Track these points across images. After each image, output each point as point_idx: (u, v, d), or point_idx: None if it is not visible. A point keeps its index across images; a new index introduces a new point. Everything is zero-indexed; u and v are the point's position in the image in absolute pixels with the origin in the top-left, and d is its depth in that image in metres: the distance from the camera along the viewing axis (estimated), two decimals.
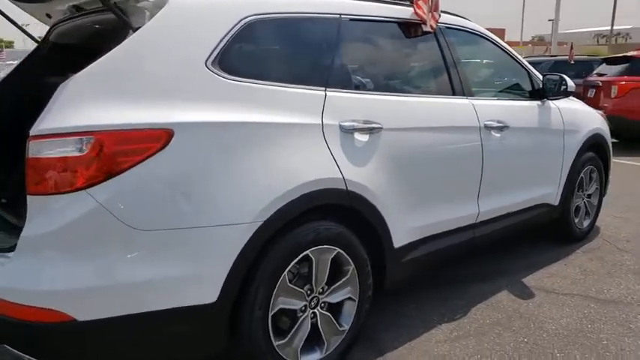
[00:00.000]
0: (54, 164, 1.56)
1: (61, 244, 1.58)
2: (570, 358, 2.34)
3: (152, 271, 1.66)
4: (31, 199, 1.59)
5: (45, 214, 1.58)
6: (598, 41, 43.30)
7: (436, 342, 2.49)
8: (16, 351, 1.67)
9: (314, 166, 2.02)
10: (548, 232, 3.79)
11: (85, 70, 1.64)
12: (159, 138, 1.65)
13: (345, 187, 2.10)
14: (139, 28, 1.76)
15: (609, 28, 38.46)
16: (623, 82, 8.53)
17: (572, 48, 12.24)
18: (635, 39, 42.73)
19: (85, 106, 1.60)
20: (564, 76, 3.32)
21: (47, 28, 2.71)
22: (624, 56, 9.21)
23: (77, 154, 1.56)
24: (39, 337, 1.62)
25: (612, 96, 8.48)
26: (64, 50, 2.61)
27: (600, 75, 9.43)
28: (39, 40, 2.68)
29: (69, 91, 1.60)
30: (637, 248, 3.75)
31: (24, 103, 2.52)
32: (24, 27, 2.87)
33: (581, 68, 11.20)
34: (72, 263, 1.58)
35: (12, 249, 1.68)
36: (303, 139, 2.01)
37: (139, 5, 1.87)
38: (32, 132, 1.57)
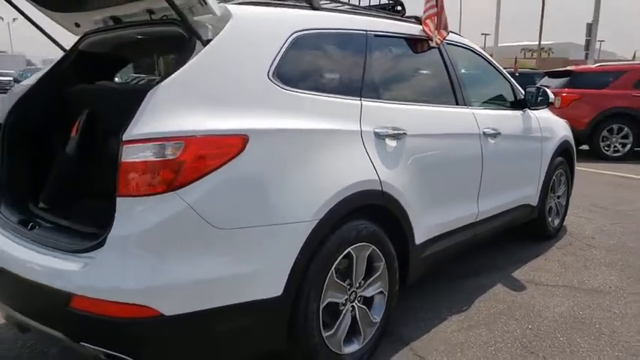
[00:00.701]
0: (145, 167, 1.63)
1: (149, 243, 1.65)
2: (572, 340, 2.60)
3: (230, 266, 1.75)
4: (121, 201, 1.65)
5: (135, 215, 1.64)
6: (525, 55, 45.88)
7: (451, 332, 2.69)
8: (95, 347, 1.71)
9: (357, 169, 2.18)
10: (525, 231, 4.12)
11: (168, 79, 1.72)
12: (237, 144, 1.75)
13: (380, 189, 2.26)
14: (210, 41, 1.86)
15: (535, 42, 40.96)
16: (565, 94, 9.26)
17: (516, 62, 13.09)
18: (557, 53, 45.73)
19: (171, 113, 1.68)
20: (545, 88, 3.67)
21: None
22: (565, 70, 9.99)
23: (167, 157, 1.63)
24: (127, 332, 1.66)
25: (556, 107, 9.16)
26: (94, 59, 2.63)
27: (538, 87, 10.16)
28: (66, 49, 2.68)
29: (156, 99, 1.68)
30: (603, 243, 4.16)
31: (52, 109, 2.53)
32: None
33: (525, 80, 11.90)
34: (159, 260, 1.65)
35: (88, 250, 1.72)
36: (347, 144, 2.17)
37: (196, 19, 1.96)
38: (125, 137, 1.63)
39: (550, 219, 4.19)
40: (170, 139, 1.65)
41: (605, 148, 9.09)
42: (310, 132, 2.02)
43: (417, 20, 2.97)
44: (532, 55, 41.58)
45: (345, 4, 2.73)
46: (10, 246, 1.99)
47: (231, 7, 1.98)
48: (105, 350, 1.72)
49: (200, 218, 1.68)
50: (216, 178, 1.71)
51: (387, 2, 3.11)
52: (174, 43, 2.07)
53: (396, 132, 2.40)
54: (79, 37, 2.62)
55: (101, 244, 1.69)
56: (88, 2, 2.39)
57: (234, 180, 1.76)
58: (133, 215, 1.65)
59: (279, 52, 2.03)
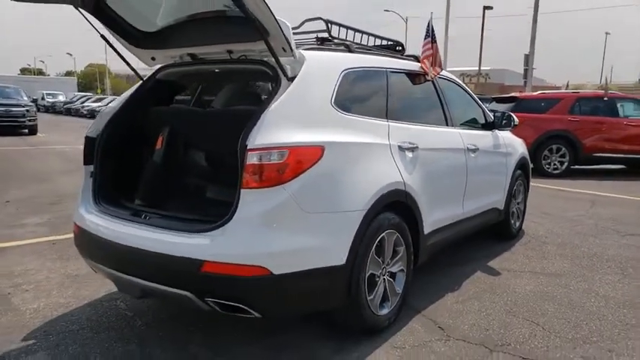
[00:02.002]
0: (263, 168, 2.26)
1: (264, 222, 2.27)
2: (542, 306, 3.38)
3: (315, 240, 2.40)
4: (244, 192, 2.28)
5: (254, 202, 2.27)
6: (464, 80, 48.78)
7: (451, 304, 3.41)
8: (218, 300, 2.30)
9: (390, 173, 2.88)
10: (494, 231, 4.94)
11: (273, 106, 2.37)
12: (318, 152, 2.42)
13: (404, 189, 2.97)
14: (293, 77, 2.51)
15: (472, 68, 43.40)
16: None
17: None
18: (494, 79, 48.65)
19: (277, 130, 2.34)
20: (510, 113, 4.54)
21: None
22: (511, 96, 11.20)
23: (278, 161, 2.28)
24: (246, 287, 2.27)
25: None
26: (166, 86, 3.21)
27: (492, 111, 11.32)
28: (143, 77, 3.24)
29: (267, 120, 2.33)
30: (555, 241, 5.05)
31: (133, 126, 3.09)
32: None
33: None
34: (271, 234, 2.28)
35: (214, 228, 2.32)
36: (382, 154, 2.87)
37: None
38: (249, 146, 2.26)
39: (513, 221, 5.04)
40: (279, 148, 2.30)
41: (547, 166, 10.27)
42: (359, 144, 2.71)
43: (416, 58, 3.75)
44: (470, 80, 43.94)
45: (364, 46, 3.46)
46: (135, 231, 2.55)
47: (303, 52, 2.66)
48: (225, 302, 2.31)
49: (296, 205, 2.33)
50: (306, 176, 2.37)
51: (391, 43, 3.86)
52: (255, 76, 2.71)
53: (411, 146, 3.13)
54: (156, 69, 3.20)
55: (224, 224, 2.30)
56: (173, 42, 2.98)
57: (316, 177, 2.42)
58: (252, 202, 2.28)
59: (336, 85, 2.72)
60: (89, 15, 2.90)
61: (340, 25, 3.23)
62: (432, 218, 3.39)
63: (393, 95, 3.24)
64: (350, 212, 2.56)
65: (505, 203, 4.75)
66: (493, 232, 4.96)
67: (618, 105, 10.52)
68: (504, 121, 4.60)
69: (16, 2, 2.54)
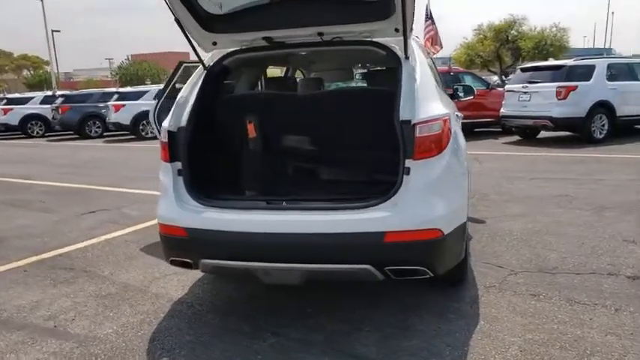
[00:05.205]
0: (429, 138, 2.47)
1: (433, 188, 2.48)
2: (544, 238, 4.16)
3: (460, 199, 2.69)
4: (415, 162, 2.46)
5: (422, 171, 2.46)
6: None
7: (480, 249, 3.97)
8: (397, 268, 2.44)
9: (463, 137, 3.27)
10: None
11: (417, 83, 2.59)
12: (448, 121, 2.66)
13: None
14: (407, 57, 2.72)
15: None
16: None
17: None
18: None
19: (428, 104, 2.58)
20: (470, 85, 5.25)
21: None
22: None
23: (437, 132, 2.50)
24: (424, 249, 2.46)
25: None
26: (230, 72, 3.09)
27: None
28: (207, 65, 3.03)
29: (419, 96, 2.56)
30: (490, 192, 6.03)
31: (213, 116, 2.95)
32: None
33: None
34: (439, 199, 2.50)
35: (383, 201, 2.45)
36: (457, 122, 3.24)
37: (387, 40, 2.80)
38: (414, 120, 2.46)
39: None
40: (436, 120, 2.52)
41: None
42: (453, 115, 3.05)
43: (418, 38, 4.17)
44: None
45: None
46: (290, 218, 2.52)
47: None
48: (405, 267, 2.46)
49: (450, 170, 2.59)
50: (451, 143, 2.64)
51: None
52: (355, 56, 2.83)
53: (456, 114, 3.56)
54: (222, 55, 3.03)
55: (392, 195, 2.45)
56: (246, 25, 2.88)
57: (454, 144, 2.70)
58: (420, 171, 2.47)
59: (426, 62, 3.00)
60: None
61: None
62: None
63: (434, 71, 3.62)
64: (464, 174, 2.90)
65: None
66: None
67: (461, 78, 12.37)
68: (463, 93, 5.29)
69: None
